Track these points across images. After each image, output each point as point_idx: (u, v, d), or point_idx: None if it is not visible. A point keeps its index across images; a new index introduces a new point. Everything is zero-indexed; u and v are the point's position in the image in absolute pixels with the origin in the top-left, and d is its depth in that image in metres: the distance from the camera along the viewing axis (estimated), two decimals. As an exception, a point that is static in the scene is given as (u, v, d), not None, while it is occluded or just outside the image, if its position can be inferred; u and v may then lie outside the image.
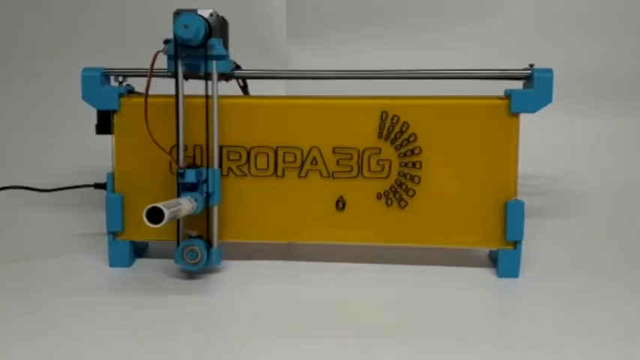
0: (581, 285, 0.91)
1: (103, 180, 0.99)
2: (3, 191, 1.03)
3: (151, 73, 0.90)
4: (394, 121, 0.94)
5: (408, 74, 0.97)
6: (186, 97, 0.92)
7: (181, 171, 0.87)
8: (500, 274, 0.94)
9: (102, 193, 0.99)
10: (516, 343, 0.72)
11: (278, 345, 0.70)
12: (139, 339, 0.72)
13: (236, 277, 0.93)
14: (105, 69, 0.97)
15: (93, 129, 0.97)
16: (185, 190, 0.88)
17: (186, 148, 0.93)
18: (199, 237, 0.92)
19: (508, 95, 0.92)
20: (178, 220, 0.91)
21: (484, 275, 0.95)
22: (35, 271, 0.95)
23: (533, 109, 0.92)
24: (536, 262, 1.00)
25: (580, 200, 1.28)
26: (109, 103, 0.96)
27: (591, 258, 1.05)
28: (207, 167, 0.92)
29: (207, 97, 0.92)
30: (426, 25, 1.36)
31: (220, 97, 0.93)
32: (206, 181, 0.90)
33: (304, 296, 0.87)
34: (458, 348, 0.70)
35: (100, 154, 1.03)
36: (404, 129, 0.94)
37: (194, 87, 0.94)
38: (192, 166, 0.91)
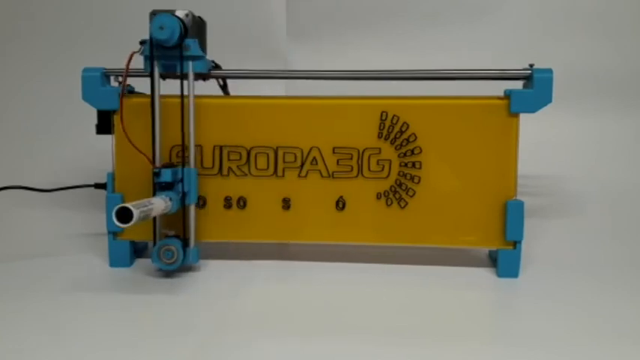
0: (581, 285, 0.91)
1: (103, 180, 0.99)
2: (3, 191, 1.03)
3: (126, 73, 0.91)
4: (394, 121, 0.94)
5: (407, 74, 0.97)
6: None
7: (157, 170, 0.88)
8: (500, 274, 0.94)
9: (102, 193, 0.99)
10: (516, 343, 0.72)
11: (278, 345, 0.70)
12: (138, 339, 0.72)
13: (236, 277, 0.93)
14: (105, 69, 0.97)
15: (93, 129, 0.98)
16: (161, 189, 0.89)
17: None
18: (177, 236, 0.92)
19: (508, 95, 0.92)
20: (155, 220, 0.91)
21: (484, 275, 0.95)
22: (35, 271, 0.95)
23: (533, 109, 0.92)
24: (536, 262, 1.00)
25: (580, 200, 1.28)
26: (109, 103, 0.96)
27: (591, 258, 1.05)
28: (183, 167, 0.92)
29: (182, 96, 0.92)
30: (426, 25, 1.36)
31: (220, 97, 0.93)
32: (182, 180, 0.91)
33: (304, 296, 0.87)
34: (457, 348, 0.70)
35: (100, 154, 1.03)
36: (404, 129, 0.94)
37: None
38: (168, 165, 0.91)
